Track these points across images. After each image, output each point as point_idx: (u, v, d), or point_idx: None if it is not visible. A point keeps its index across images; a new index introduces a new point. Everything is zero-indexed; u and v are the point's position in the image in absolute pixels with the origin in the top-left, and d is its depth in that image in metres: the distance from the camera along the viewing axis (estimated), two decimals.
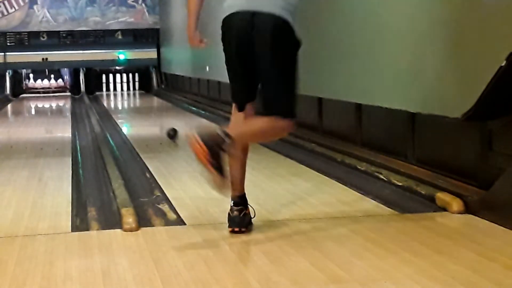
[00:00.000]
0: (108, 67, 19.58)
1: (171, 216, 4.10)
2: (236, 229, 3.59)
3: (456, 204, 3.96)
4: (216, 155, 3.21)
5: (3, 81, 18.25)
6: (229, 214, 3.65)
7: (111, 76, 19.83)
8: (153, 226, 3.88)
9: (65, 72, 19.63)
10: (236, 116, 3.65)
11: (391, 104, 5.08)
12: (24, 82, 19.47)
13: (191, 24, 3.74)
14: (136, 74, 19.88)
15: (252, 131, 3.55)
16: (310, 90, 6.93)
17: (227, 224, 3.63)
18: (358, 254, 3.25)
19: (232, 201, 3.65)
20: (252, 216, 3.70)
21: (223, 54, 3.67)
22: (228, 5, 3.61)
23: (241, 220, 3.61)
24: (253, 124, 3.56)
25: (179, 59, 16.73)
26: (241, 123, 3.59)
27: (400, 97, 4.93)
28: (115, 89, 19.81)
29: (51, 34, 18.88)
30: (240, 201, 3.65)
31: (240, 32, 3.52)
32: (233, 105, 3.68)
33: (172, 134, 6.63)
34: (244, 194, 3.69)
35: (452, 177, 4.43)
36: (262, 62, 3.47)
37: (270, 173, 5.49)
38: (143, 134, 9.19)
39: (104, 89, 19.55)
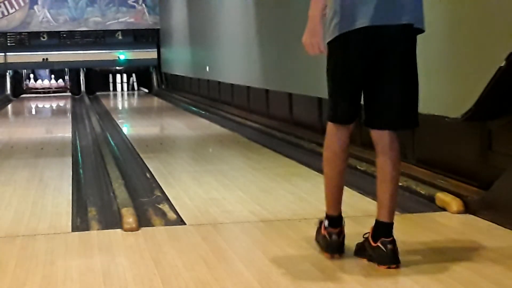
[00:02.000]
0: (108, 67, 19.61)
1: (171, 216, 4.10)
2: (337, 256, 3.14)
3: (455, 204, 3.97)
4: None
5: (4, 81, 18.28)
6: (324, 237, 3.18)
7: (111, 76, 19.87)
8: (153, 226, 3.88)
9: (46, 75, 19.67)
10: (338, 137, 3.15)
11: None
12: (24, 82, 19.49)
13: (319, 30, 3.03)
14: (133, 75, 19.90)
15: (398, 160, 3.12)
16: (310, 91, 6.95)
17: (324, 248, 3.18)
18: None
19: (327, 221, 3.20)
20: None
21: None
22: (344, 17, 2.95)
23: (341, 245, 3.16)
24: (393, 156, 3.09)
25: (179, 59, 16.74)
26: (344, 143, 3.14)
27: None
28: (115, 89, 19.83)
29: (51, 34, 18.90)
30: (338, 222, 3.20)
31: (365, 51, 2.98)
32: (333, 128, 3.15)
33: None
34: (341, 214, 3.24)
35: (451, 177, 4.43)
36: (393, 75, 3.04)
37: (270, 173, 5.49)
38: (143, 134, 9.19)
39: (108, 89, 19.58)
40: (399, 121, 3.07)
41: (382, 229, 3.06)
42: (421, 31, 3.05)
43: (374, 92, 3.04)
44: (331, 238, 3.13)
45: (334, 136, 3.14)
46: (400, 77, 3.03)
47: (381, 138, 3.08)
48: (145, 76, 19.61)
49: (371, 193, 4.48)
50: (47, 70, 19.51)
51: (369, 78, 3.02)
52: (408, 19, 2.94)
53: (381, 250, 3.01)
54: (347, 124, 3.12)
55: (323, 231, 3.19)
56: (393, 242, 3.02)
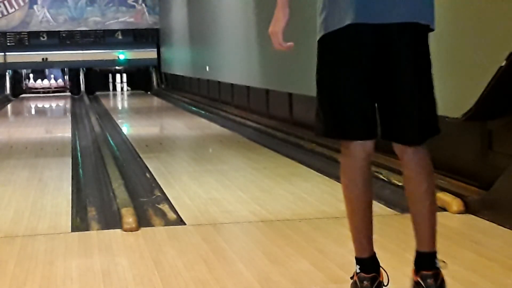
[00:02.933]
0: (108, 67, 19.63)
1: (171, 216, 4.10)
2: None
3: (456, 204, 3.96)
4: None
5: (3, 81, 18.30)
6: (355, 284, 2.53)
7: (110, 76, 19.89)
8: (153, 226, 3.88)
9: (58, 74, 19.72)
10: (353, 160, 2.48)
11: None
12: (24, 82, 19.50)
13: (280, 18, 2.56)
14: (124, 75, 19.93)
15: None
16: (310, 90, 6.94)
17: None
18: None
19: (358, 266, 2.54)
20: (385, 284, 2.56)
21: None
22: (336, 12, 2.41)
23: None
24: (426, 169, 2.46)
25: (179, 59, 16.74)
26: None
27: None
28: (114, 89, 19.83)
29: (51, 34, 18.92)
30: (371, 265, 2.54)
31: (367, 53, 2.40)
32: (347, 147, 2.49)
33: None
34: (375, 254, 2.57)
35: (452, 177, 4.43)
36: (400, 80, 2.40)
37: (270, 173, 5.49)
38: (143, 134, 9.19)
39: (107, 89, 19.60)
40: (418, 135, 2.43)
41: (422, 261, 2.50)
42: (431, 29, 2.43)
43: (384, 101, 2.44)
44: (362, 284, 2.49)
45: (347, 158, 2.50)
46: (413, 84, 2.40)
47: (403, 151, 2.47)
48: (144, 76, 19.62)
49: None
50: (60, 70, 19.56)
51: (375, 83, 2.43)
52: (408, 17, 2.36)
53: (420, 286, 2.48)
54: (360, 139, 2.45)
55: (355, 277, 2.55)
56: (435, 276, 2.47)
